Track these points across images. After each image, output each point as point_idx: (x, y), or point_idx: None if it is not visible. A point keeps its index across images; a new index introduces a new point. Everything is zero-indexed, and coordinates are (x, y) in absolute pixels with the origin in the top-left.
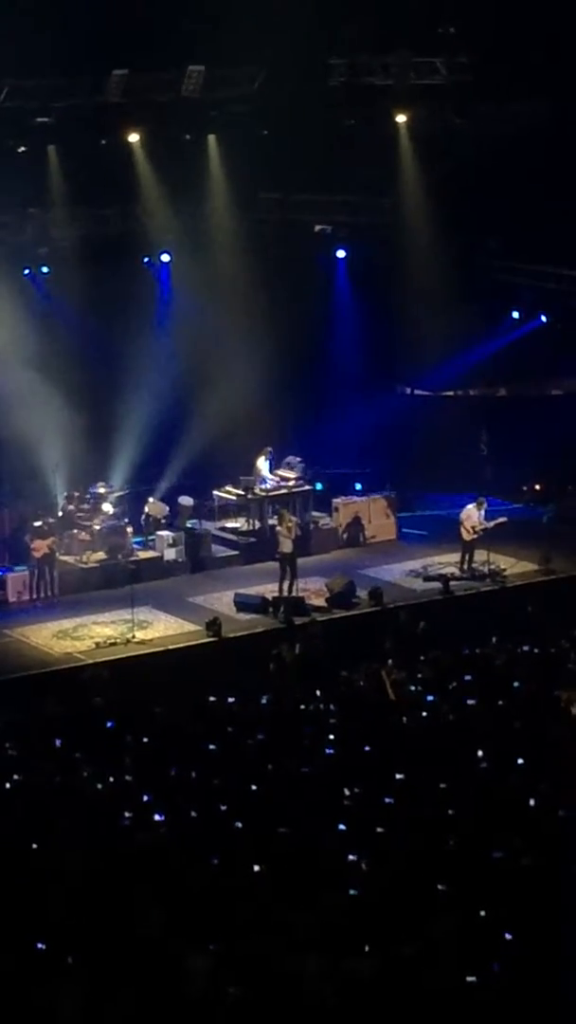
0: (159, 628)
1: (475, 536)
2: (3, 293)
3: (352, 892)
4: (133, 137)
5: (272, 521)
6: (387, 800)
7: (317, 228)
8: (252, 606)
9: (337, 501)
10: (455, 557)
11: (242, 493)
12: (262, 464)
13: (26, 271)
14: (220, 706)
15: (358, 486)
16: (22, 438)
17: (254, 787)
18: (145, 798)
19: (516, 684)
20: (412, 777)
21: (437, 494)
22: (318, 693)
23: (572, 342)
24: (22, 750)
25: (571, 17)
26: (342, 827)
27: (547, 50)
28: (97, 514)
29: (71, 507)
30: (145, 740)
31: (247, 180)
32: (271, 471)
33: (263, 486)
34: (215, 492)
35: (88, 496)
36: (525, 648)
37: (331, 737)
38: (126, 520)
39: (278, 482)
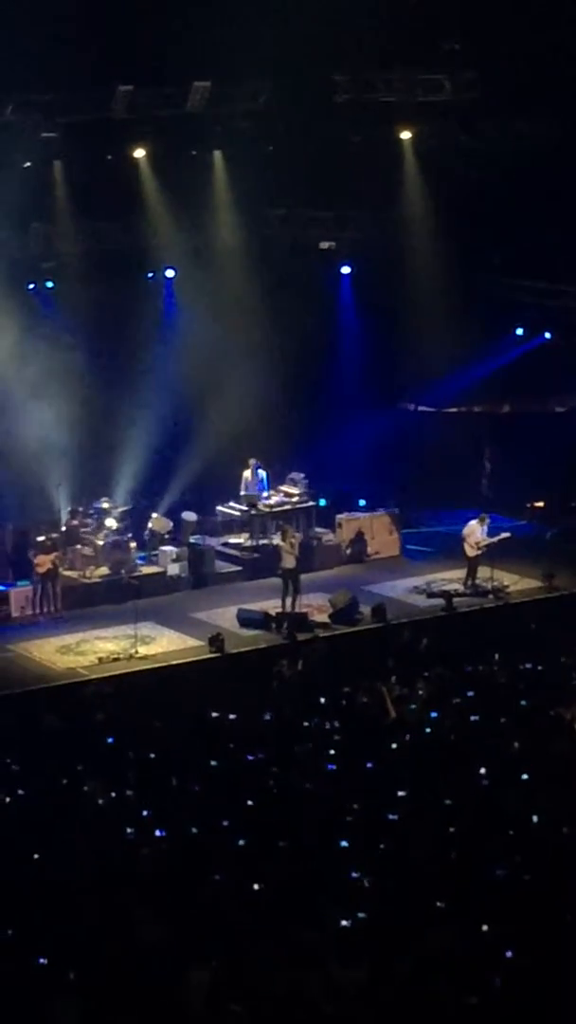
0: (162, 643)
1: (478, 553)
2: (7, 307)
3: (354, 909)
4: (138, 152)
5: (275, 537)
6: (389, 817)
7: (322, 244)
8: (255, 622)
9: (340, 517)
10: (458, 573)
11: (246, 509)
12: (248, 476)
13: (31, 286)
14: (222, 722)
15: (361, 502)
16: (26, 453)
17: (255, 803)
18: (146, 813)
19: (520, 701)
20: (414, 794)
21: (440, 510)
22: (320, 709)
23: None
24: (24, 765)
25: None
26: (344, 843)
27: (553, 67)
28: (101, 529)
29: (75, 522)
30: (147, 755)
31: (252, 196)
32: (267, 486)
33: (265, 501)
34: (219, 508)
35: (92, 511)
36: (528, 665)
37: (333, 753)
38: (129, 535)
39: (281, 496)
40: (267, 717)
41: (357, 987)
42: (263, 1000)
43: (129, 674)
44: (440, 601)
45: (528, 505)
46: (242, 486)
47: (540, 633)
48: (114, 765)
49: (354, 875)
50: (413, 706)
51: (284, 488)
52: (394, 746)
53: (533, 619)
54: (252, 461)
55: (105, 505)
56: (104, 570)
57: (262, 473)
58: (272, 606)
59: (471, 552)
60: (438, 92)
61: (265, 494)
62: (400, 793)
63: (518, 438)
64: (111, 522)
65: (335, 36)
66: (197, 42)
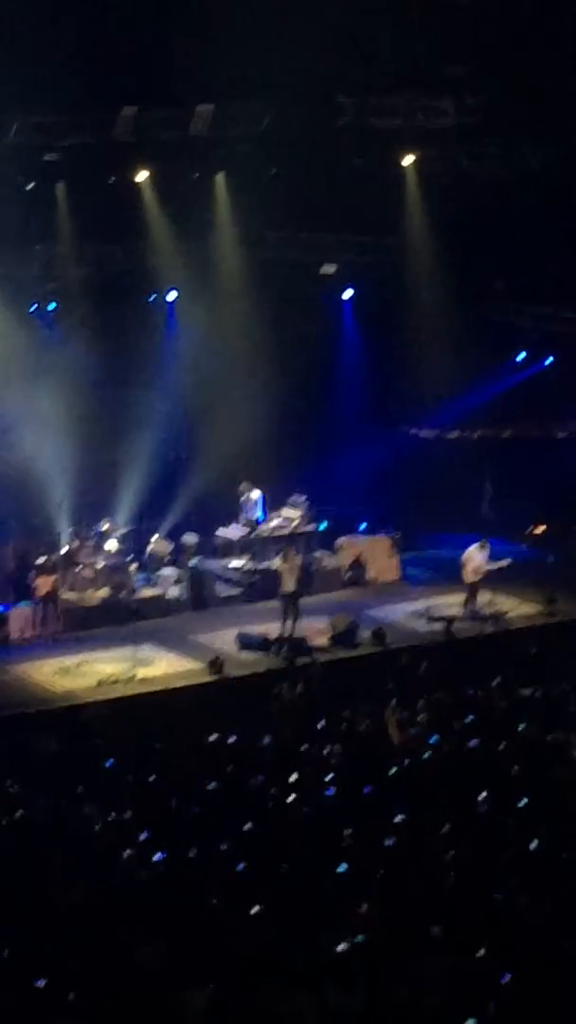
0: (161, 666)
1: (478, 578)
2: (10, 329)
3: (351, 934)
4: (141, 175)
5: (276, 560)
6: (387, 842)
7: (324, 268)
8: (255, 645)
9: (340, 540)
10: (458, 598)
11: (246, 532)
12: (248, 499)
13: (33, 307)
14: (221, 745)
15: (362, 526)
16: (27, 474)
17: (254, 827)
18: (144, 836)
19: (519, 727)
20: (413, 818)
21: (441, 534)
22: (319, 733)
23: None
24: (23, 787)
25: None
26: (342, 868)
27: (556, 93)
28: (101, 551)
29: (76, 544)
30: (145, 778)
31: (254, 219)
32: (263, 508)
33: (262, 523)
34: (218, 530)
35: (92, 533)
36: (528, 690)
37: (332, 777)
38: (130, 558)
39: (282, 520)
40: (266, 740)
41: (353, 1012)
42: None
43: (128, 697)
44: (440, 626)
45: (529, 530)
46: (242, 508)
47: (540, 658)
48: (113, 787)
49: (351, 900)
50: (413, 730)
51: (284, 511)
52: (393, 771)
53: (533, 644)
54: (247, 484)
55: (106, 527)
56: (104, 592)
57: (255, 496)
58: (272, 629)
59: (471, 577)
60: (441, 117)
61: (260, 519)
62: (398, 818)
63: (519, 463)
64: (111, 544)
65: (338, 60)
66: (200, 65)
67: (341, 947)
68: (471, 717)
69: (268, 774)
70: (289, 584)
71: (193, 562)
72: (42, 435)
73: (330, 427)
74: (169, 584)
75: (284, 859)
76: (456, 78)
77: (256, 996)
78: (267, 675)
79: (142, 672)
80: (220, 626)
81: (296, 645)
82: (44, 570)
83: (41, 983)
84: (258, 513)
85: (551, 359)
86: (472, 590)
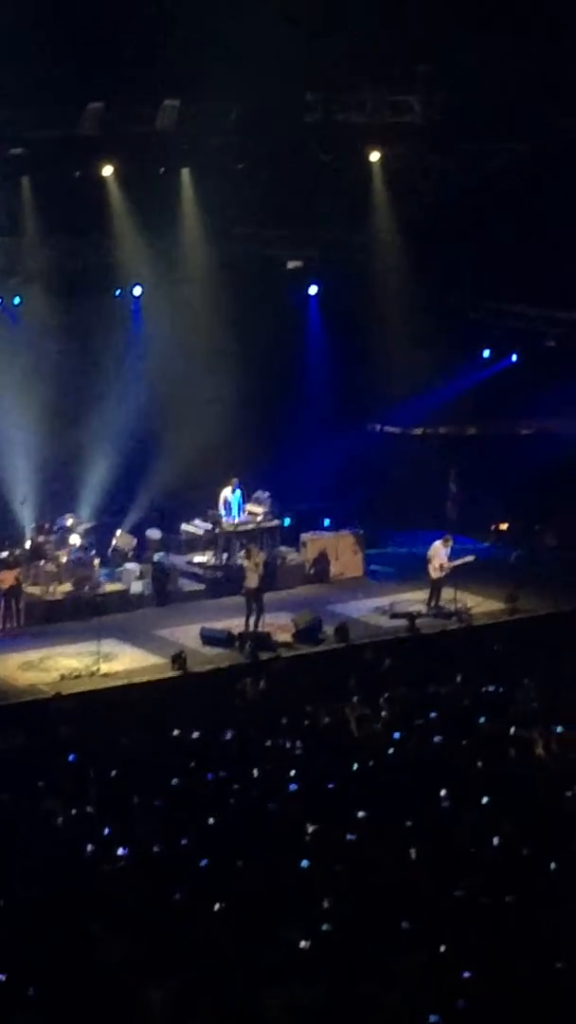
0: (125, 661)
1: (442, 574)
2: None
3: (314, 929)
4: (107, 170)
5: (240, 556)
6: (349, 837)
7: (290, 264)
8: (218, 640)
9: (305, 537)
10: (422, 595)
11: (210, 527)
12: (229, 495)
13: None
14: (184, 740)
15: (326, 522)
16: None
17: (217, 822)
18: (107, 831)
19: (480, 722)
20: (375, 814)
21: (405, 531)
22: (282, 728)
23: (542, 382)
24: None
25: (546, 58)
26: (304, 863)
27: (521, 90)
28: (64, 546)
29: (39, 538)
30: (108, 773)
31: (220, 214)
32: (234, 509)
33: (228, 520)
34: (183, 526)
35: (56, 528)
36: (491, 687)
37: (294, 773)
38: (93, 552)
39: (246, 516)
40: (229, 736)
41: (317, 1006)
42: (222, 1019)
43: (91, 691)
44: (403, 622)
45: (492, 527)
46: (220, 505)
47: (503, 655)
48: (75, 782)
49: (314, 895)
50: (377, 725)
51: (249, 507)
52: (356, 766)
53: (496, 641)
54: (235, 480)
55: (70, 522)
56: (67, 587)
57: (234, 497)
58: (235, 625)
59: (435, 574)
60: (407, 113)
61: (233, 518)
62: (361, 813)
63: (484, 460)
64: (75, 539)
65: (305, 56)
66: (167, 60)
67: (304, 943)
68: (434, 713)
69: (231, 769)
70: (253, 580)
71: (157, 557)
72: (6, 429)
73: (294, 423)
74: (132, 579)
75: (247, 854)
76: (423, 75)
77: (219, 991)
78: (230, 670)
79: (105, 667)
80: (183, 621)
81: (259, 641)
82: (7, 564)
83: (2, 978)
84: (234, 511)
85: (515, 357)
86: (436, 587)
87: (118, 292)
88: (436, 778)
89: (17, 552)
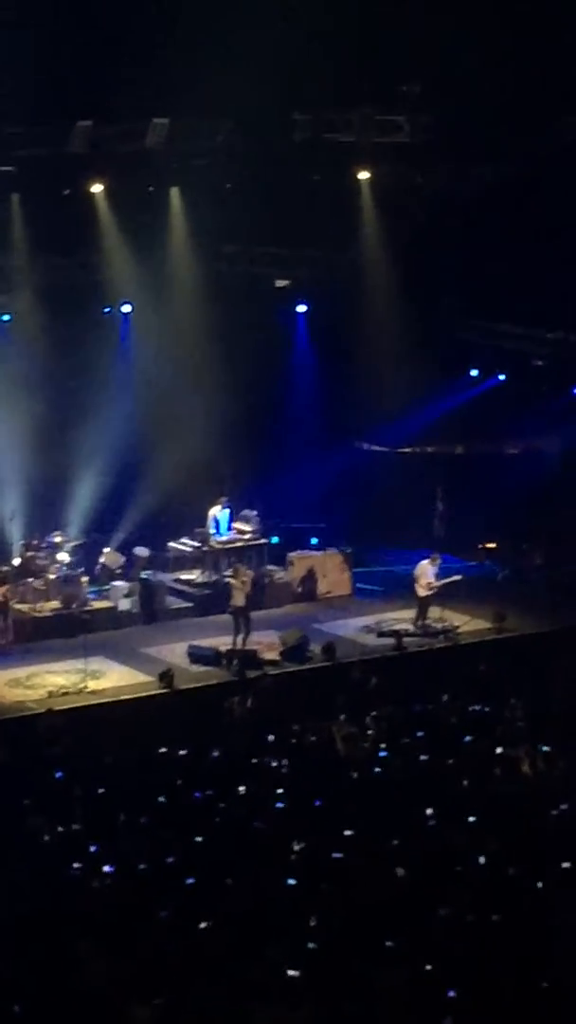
0: (112, 678)
1: (429, 593)
2: None
3: (299, 946)
4: (96, 188)
5: (227, 574)
6: (336, 855)
7: (278, 283)
8: (205, 658)
9: (292, 555)
10: (409, 613)
11: (198, 545)
12: (218, 513)
13: None
14: (171, 758)
15: (314, 540)
16: None
17: (203, 840)
18: (93, 848)
19: (467, 741)
20: (361, 833)
21: (392, 550)
22: (269, 747)
23: (529, 401)
24: None
25: (533, 78)
26: (291, 882)
27: (510, 110)
28: (53, 563)
29: (27, 555)
30: (95, 790)
31: (209, 233)
32: (221, 526)
33: (218, 538)
34: (170, 544)
35: (44, 545)
36: (477, 706)
37: (281, 791)
38: (81, 570)
39: (234, 534)
40: (216, 754)
41: None
42: None
43: (78, 708)
44: (390, 640)
45: (480, 546)
46: (208, 523)
47: (490, 674)
48: (61, 800)
49: (301, 913)
50: (364, 743)
51: (236, 525)
52: (343, 785)
53: (483, 660)
54: (224, 499)
55: (58, 539)
56: (55, 604)
57: (222, 515)
58: (223, 643)
59: (422, 592)
60: (396, 133)
61: (221, 536)
62: (347, 832)
63: (471, 479)
64: (63, 556)
65: (294, 75)
66: (157, 79)
67: (289, 963)
68: (420, 732)
69: (218, 787)
70: (240, 598)
71: (145, 575)
72: None
73: (282, 442)
74: (120, 596)
75: (233, 872)
76: (411, 95)
77: (205, 1009)
78: (217, 688)
79: (92, 684)
80: (171, 639)
81: (247, 659)
82: None
83: None
84: (222, 529)
85: (503, 376)
86: (423, 605)
87: (107, 309)
88: (422, 796)
89: (5, 569)
